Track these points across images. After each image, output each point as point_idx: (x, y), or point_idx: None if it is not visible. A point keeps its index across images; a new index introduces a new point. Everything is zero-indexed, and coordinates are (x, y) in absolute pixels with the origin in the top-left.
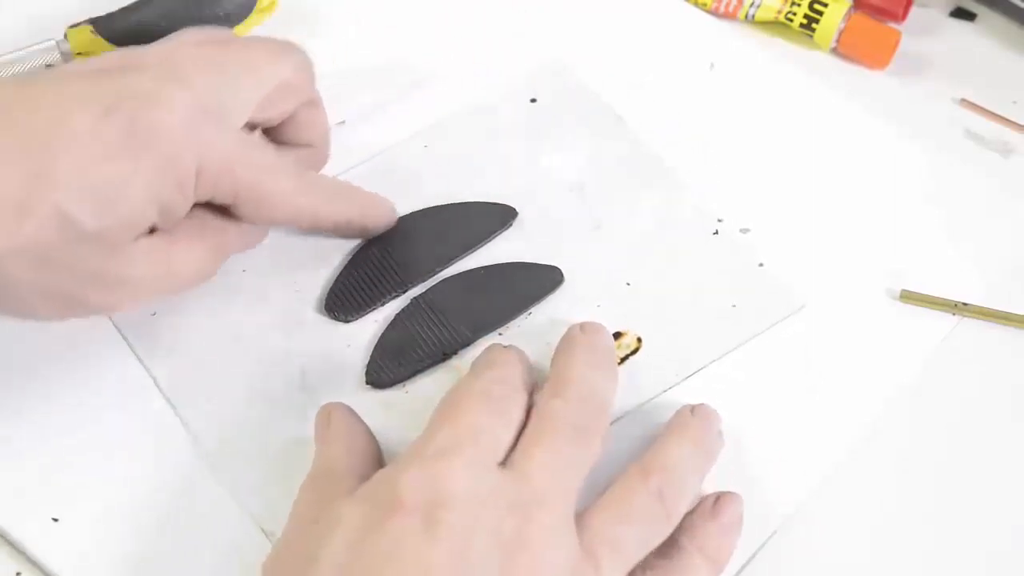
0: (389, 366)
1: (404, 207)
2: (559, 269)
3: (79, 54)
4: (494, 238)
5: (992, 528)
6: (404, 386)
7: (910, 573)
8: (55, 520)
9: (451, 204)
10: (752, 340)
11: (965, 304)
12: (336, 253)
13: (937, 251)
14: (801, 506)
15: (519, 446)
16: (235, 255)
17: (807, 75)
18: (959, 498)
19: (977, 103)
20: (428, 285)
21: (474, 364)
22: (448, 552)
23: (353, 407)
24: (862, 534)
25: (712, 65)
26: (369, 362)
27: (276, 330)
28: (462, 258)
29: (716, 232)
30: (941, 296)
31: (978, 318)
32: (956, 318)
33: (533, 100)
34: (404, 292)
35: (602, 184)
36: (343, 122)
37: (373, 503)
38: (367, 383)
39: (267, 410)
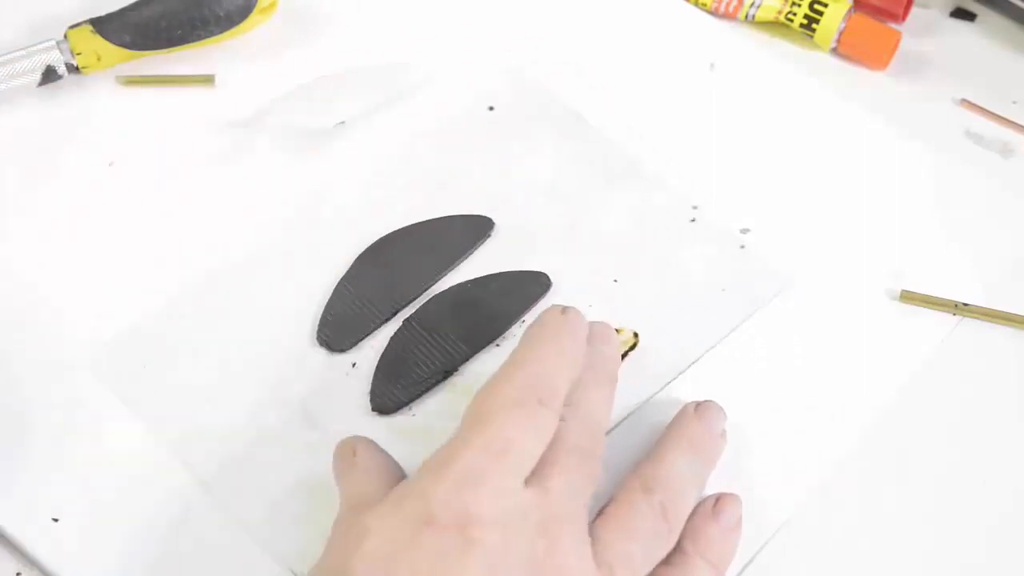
0: (392, 391)
1: (380, 228)
2: (545, 274)
3: (79, 54)
4: (475, 250)
5: (992, 528)
6: (411, 409)
7: (910, 573)
8: (55, 520)
9: (427, 220)
10: (746, 322)
11: (965, 304)
12: (320, 283)
13: (937, 251)
14: (801, 506)
15: (540, 461)
16: (215, 291)
17: (807, 75)
18: (959, 498)
19: (977, 103)
20: (418, 305)
21: (521, 343)
22: (484, 570)
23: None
24: (862, 534)
25: (712, 65)
26: (372, 388)
27: (272, 367)
28: (446, 274)
29: (693, 220)
30: (941, 296)
31: (978, 318)
32: (956, 318)
33: (491, 108)
34: (394, 315)
35: (573, 185)
36: (343, 122)
37: (403, 517)
38: (373, 410)
39: (275, 450)
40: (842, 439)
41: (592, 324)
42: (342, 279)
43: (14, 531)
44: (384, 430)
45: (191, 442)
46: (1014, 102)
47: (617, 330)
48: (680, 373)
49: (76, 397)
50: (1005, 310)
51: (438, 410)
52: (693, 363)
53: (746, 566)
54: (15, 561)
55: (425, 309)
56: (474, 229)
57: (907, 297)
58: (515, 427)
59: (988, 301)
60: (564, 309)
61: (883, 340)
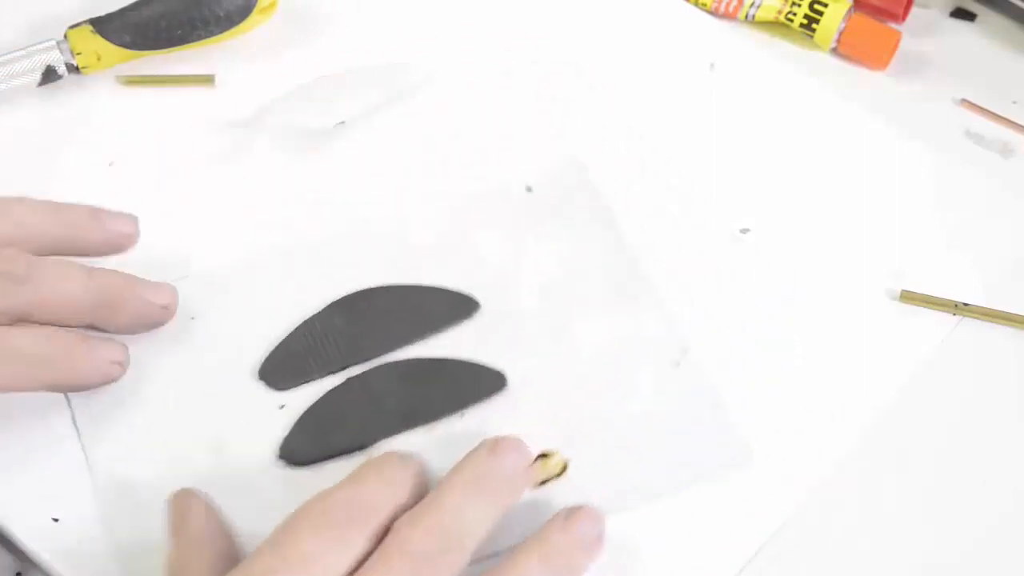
0: (306, 444)
1: (371, 279)
2: (503, 375)
3: (79, 54)
4: (450, 329)
5: (993, 528)
6: (318, 467)
7: (910, 573)
8: (55, 520)
9: (415, 286)
10: (688, 488)
11: (965, 304)
12: (287, 319)
13: (937, 251)
14: (801, 506)
15: (363, 567)
16: (187, 302)
17: (807, 75)
18: (959, 498)
19: (977, 103)
20: (369, 366)
21: (354, 471)
22: None
23: (258, 478)
24: (862, 534)
25: (712, 65)
26: (287, 436)
27: (206, 386)
28: (412, 344)
29: (678, 364)
30: (941, 296)
31: (978, 318)
32: (956, 318)
33: (529, 189)
34: (343, 369)
35: (574, 291)
36: (343, 122)
37: None
38: (279, 457)
39: (170, 467)
40: (842, 439)
41: (501, 438)
42: (309, 318)
43: (14, 531)
44: (281, 480)
45: (106, 451)
46: (1014, 102)
47: (548, 453)
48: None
49: (76, 396)
50: (1005, 310)
51: (343, 473)
52: (616, 512)
53: (746, 566)
54: (15, 561)
55: (373, 373)
56: (458, 307)
57: (907, 297)
58: (315, 541)
59: (988, 301)
60: (402, 456)
61: (883, 340)
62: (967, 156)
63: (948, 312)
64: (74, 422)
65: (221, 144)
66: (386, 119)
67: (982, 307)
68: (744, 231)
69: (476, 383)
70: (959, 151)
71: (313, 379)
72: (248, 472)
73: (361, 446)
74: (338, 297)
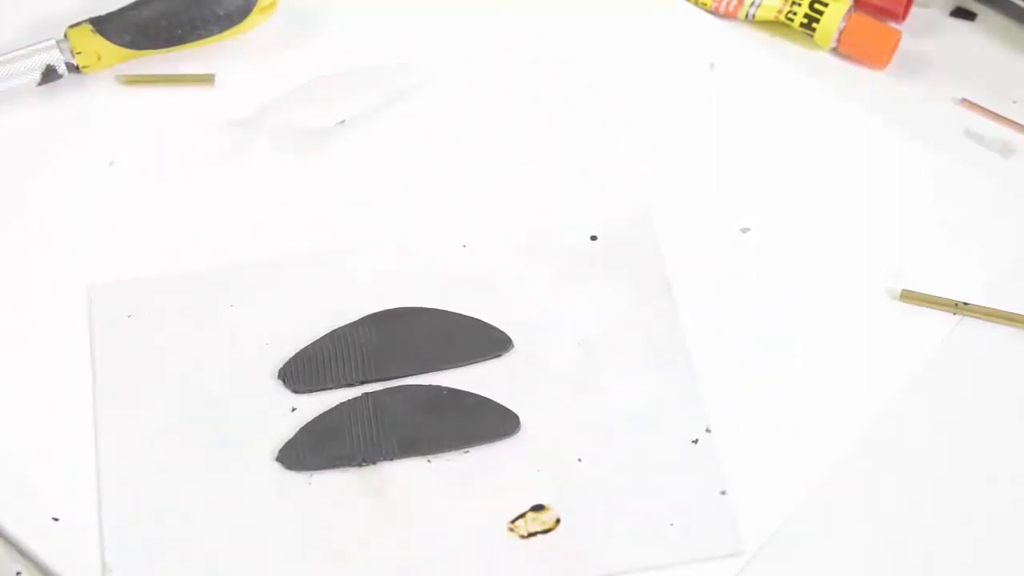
0: (305, 450)
1: (412, 298)
2: (517, 418)
3: (79, 53)
4: (479, 362)
5: (993, 527)
6: (311, 475)
7: (910, 573)
8: (55, 520)
9: (453, 314)
10: (673, 567)
11: (965, 304)
12: (320, 324)
13: (937, 251)
14: (801, 506)
15: None
16: (225, 291)
17: (807, 75)
18: (959, 497)
19: (977, 103)
20: (388, 384)
21: None
22: None
23: (254, 477)
24: (862, 534)
25: (712, 65)
26: (289, 440)
27: (225, 377)
28: (438, 371)
29: (696, 441)
30: (941, 296)
31: (978, 318)
32: (956, 318)
33: (594, 237)
34: (362, 383)
35: (612, 348)
36: (343, 122)
37: None
38: (276, 459)
39: (175, 455)
40: (842, 439)
41: None
42: (340, 327)
43: (14, 531)
44: (273, 481)
45: (118, 426)
46: (1014, 102)
47: (544, 507)
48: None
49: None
50: (1005, 310)
51: (333, 489)
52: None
53: (746, 566)
54: (15, 561)
55: (388, 393)
56: (491, 343)
57: (907, 297)
58: None
59: (988, 301)
60: None
61: (883, 340)
62: (967, 156)
63: (948, 312)
64: (93, 391)
65: (221, 144)
66: (386, 119)
67: (982, 307)
68: (744, 231)
69: (489, 422)
70: (959, 151)
71: (329, 388)
72: (246, 469)
73: (358, 463)
74: (374, 311)
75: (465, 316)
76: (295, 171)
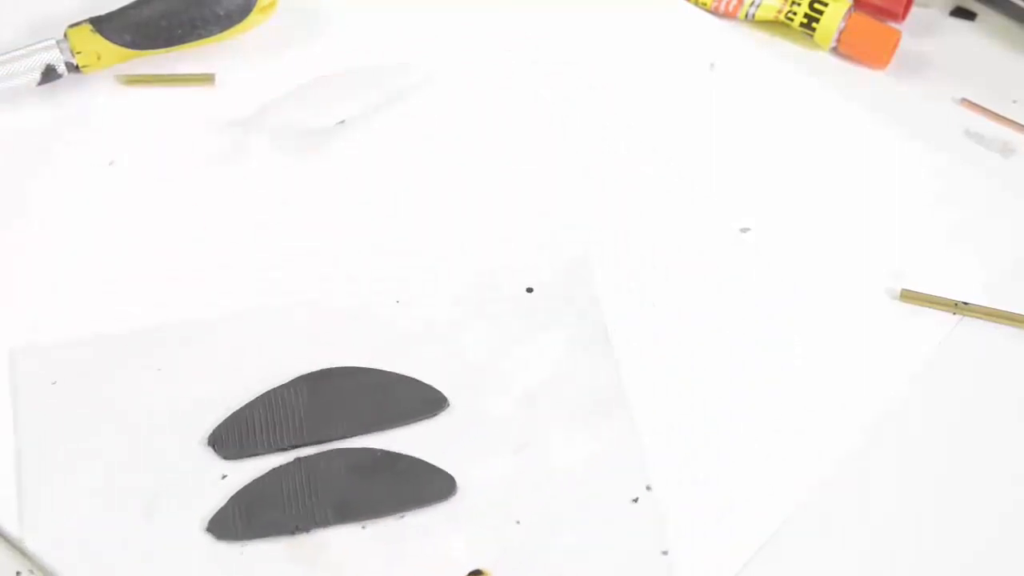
0: (236, 520)
1: (346, 355)
2: (453, 480)
3: (79, 53)
4: (415, 422)
5: (993, 528)
6: (242, 545)
7: (910, 573)
8: (55, 520)
9: (387, 373)
10: None
11: (965, 304)
12: (254, 385)
13: (937, 251)
14: (801, 506)
15: None
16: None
17: (807, 75)
18: (959, 497)
19: (977, 103)
20: (321, 448)
21: None
22: None
23: (184, 546)
24: (862, 534)
25: (712, 65)
26: (220, 509)
27: (153, 443)
28: (370, 433)
29: (636, 500)
30: (941, 296)
31: (978, 318)
32: (956, 318)
33: (529, 289)
34: (295, 447)
35: (554, 404)
36: (343, 122)
37: None
38: (206, 529)
39: (101, 521)
40: (842, 439)
41: None
42: (272, 390)
43: (14, 531)
44: (204, 551)
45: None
46: (1014, 102)
47: (481, 572)
48: None
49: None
50: (1005, 309)
51: (266, 559)
52: None
53: (746, 566)
54: (15, 561)
55: (321, 458)
56: (426, 402)
57: (907, 297)
58: None
59: (988, 301)
60: None
61: (883, 340)
62: (967, 156)
63: (948, 311)
64: (18, 452)
65: (221, 144)
66: (386, 119)
67: (982, 306)
68: (744, 230)
69: (424, 485)
70: (959, 151)
71: (261, 453)
72: (176, 539)
73: (291, 532)
74: (307, 372)
75: (399, 375)
76: (295, 171)
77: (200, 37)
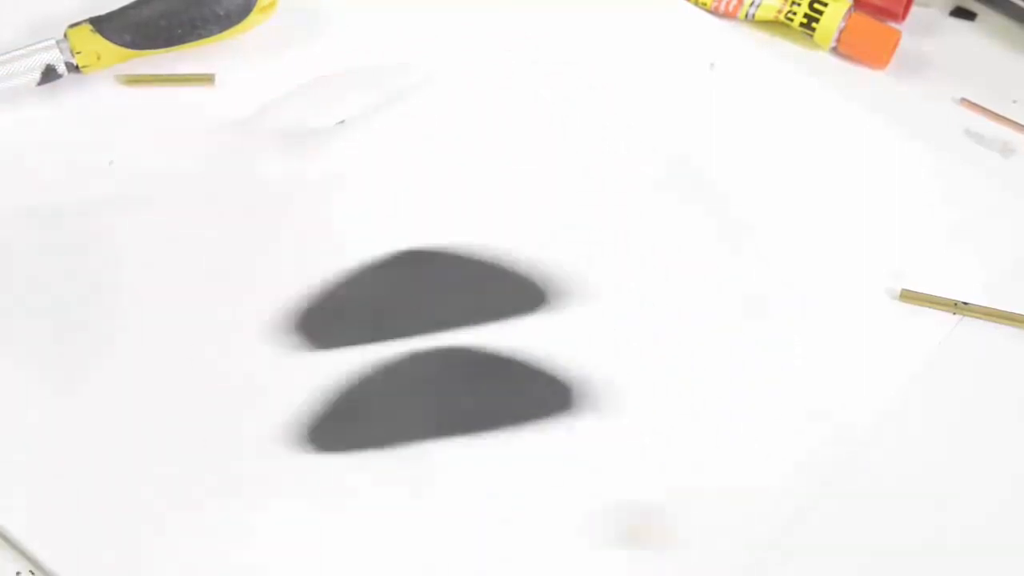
0: (333, 432)
1: (443, 233)
2: (570, 391)
3: (79, 53)
4: (519, 318)
5: (993, 528)
6: (339, 455)
7: (910, 572)
8: (55, 520)
9: (484, 262)
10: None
11: (965, 304)
12: (329, 265)
13: (937, 251)
14: (801, 506)
15: None
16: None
17: (807, 75)
18: (959, 498)
19: (977, 103)
20: (428, 343)
21: None
22: None
23: (270, 456)
24: (862, 535)
25: (712, 65)
26: (315, 421)
27: (221, 340)
28: (473, 327)
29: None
30: (941, 296)
31: (978, 318)
32: (956, 318)
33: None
34: (393, 339)
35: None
36: (343, 122)
37: None
38: (307, 441)
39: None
40: (842, 439)
41: None
42: (357, 271)
43: (14, 531)
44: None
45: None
46: (1014, 102)
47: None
48: None
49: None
50: (1005, 309)
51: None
52: None
53: (746, 566)
54: (15, 561)
55: (438, 356)
56: (529, 297)
57: (907, 297)
58: None
59: (988, 301)
60: None
61: (883, 340)
62: (967, 156)
63: (948, 311)
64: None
65: (221, 144)
66: (386, 119)
67: (982, 306)
68: (744, 229)
69: (540, 395)
70: (959, 151)
71: (358, 344)
72: (261, 446)
73: (391, 445)
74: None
75: (499, 266)
76: (295, 171)
77: (200, 37)
